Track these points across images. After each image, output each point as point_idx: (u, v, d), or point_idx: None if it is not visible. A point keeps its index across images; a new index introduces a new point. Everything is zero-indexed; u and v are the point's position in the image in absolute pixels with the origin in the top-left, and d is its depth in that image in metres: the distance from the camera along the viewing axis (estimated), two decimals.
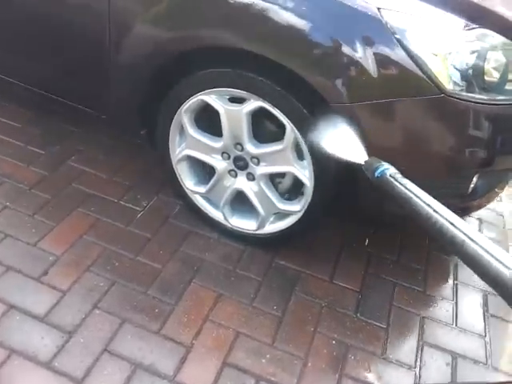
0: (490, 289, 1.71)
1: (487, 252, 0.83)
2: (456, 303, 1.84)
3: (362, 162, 1.30)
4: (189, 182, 1.90)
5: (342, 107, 1.44)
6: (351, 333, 1.66)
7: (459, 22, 1.46)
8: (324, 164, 1.57)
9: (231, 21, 1.48)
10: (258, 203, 1.78)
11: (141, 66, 1.68)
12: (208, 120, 1.75)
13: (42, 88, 2.01)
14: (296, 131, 1.56)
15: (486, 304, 1.85)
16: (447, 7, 1.47)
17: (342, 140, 1.41)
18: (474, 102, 1.41)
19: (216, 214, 1.92)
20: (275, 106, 1.55)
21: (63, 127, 2.39)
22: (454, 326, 1.75)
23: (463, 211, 1.73)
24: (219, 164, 1.79)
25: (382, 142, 1.48)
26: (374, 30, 1.38)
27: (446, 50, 1.40)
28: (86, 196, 2.04)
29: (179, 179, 1.91)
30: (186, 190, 1.92)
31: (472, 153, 1.49)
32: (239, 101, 1.63)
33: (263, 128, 1.68)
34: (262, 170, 1.72)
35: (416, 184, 1.11)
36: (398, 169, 1.20)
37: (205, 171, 1.90)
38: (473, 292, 1.90)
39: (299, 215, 1.74)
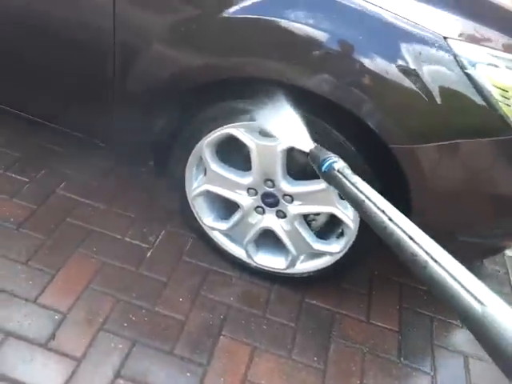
0: None
1: (455, 280, 0.68)
2: None
3: (307, 151, 1.14)
4: (207, 218, 1.70)
5: (401, 149, 1.28)
6: (399, 382, 1.55)
7: None
8: None
9: (288, 52, 1.26)
10: (290, 242, 1.61)
11: (153, 93, 1.44)
12: (231, 152, 1.55)
13: (36, 114, 1.72)
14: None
15: None
16: None
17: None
18: None
19: (238, 252, 1.73)
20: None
21: (46, 148, 2.10)
22: None
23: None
24: (244, 200, 1.59)
25: (443, 187, 1.33)
26: (441, 63, 1.21)
27: None
28: (85, 233, 1.79)
29: (196, 215, 1.70)
30: (204, 226, 1.72)
31: None
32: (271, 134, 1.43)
33: (298, 164, 1.49)
34: (296, 209, 1.54)
35: None
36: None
37: (225, 206, 1.70)
38: None
39: (338, 256, 1.59)
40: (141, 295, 1.63)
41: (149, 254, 1.77)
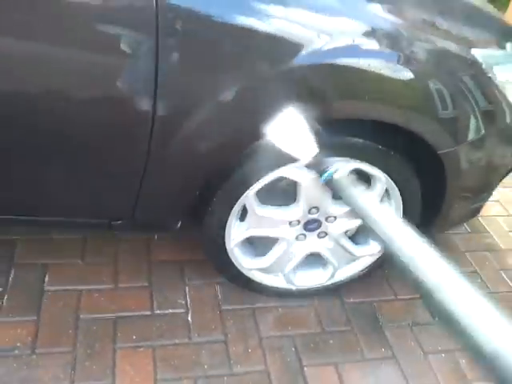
0: None
1: (465, 315, 0.61)
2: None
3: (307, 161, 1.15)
4: (246, 260, 1.64)
5: (447, 152, 1.44)
6: None
7: None
8: (414, 203, 1.58)
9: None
10: (332, 257, 1.68)
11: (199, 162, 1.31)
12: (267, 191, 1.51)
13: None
14: (390, 181, 1.50)
15: None
16: None
17: None
18: None
19: (276, 282, 1.72)
20: (373, 164, 1.45)
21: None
22: None
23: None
24: (286, 233, 1.58)
25: (471, 177, 1.56)
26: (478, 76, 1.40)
27: None
28: (110, 324, 1.57)
29: (235, 262, 1.62)
30: (243, 270, 1.66)
31: None
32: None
33: None
34: (339, 227, 1.60)
35: None
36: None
37: (260, 242, 1.66)
38: None
39: (378, 255, 1.72)
40: (213, 364, 1.52)
41: (189, 319, 1.64)
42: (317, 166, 1.12)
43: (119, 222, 1.46)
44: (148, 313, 1.63)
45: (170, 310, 1.65)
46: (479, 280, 2.08)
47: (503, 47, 1.51)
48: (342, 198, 1.12)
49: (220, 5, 1.13)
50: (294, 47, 1.16)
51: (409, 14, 1.35)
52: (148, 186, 1.34)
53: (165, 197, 1.39)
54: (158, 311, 1.64)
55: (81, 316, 1.57)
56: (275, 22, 1.16)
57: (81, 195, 1.34)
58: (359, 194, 1.02)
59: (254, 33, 1.14)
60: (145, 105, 1.16)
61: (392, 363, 1.67)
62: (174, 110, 1.20)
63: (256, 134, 1.24)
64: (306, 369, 1.59)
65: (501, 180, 1.75)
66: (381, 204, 1.49)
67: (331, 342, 1.69)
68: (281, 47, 1.17)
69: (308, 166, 1.17)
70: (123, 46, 1.05)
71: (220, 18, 1.12)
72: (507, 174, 1.75)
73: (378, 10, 1.31)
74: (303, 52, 1.17)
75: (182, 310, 1.66)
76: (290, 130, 1.17)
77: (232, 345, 1.60)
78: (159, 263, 1.81)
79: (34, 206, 1.36)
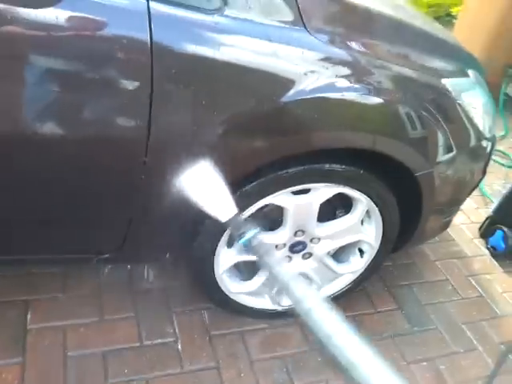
0: None
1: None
2: None
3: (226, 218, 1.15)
4: (234, 285, 1.66)
5: (424, 174, 1.52)
6: None
7: None
8: (393, 222, 1.65)
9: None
10: (316, 276, 1.72)
11: None
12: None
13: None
14: (371, 202, 1.56)
15: None
16: None
17: None
18: None
19: (262, 304, 1.75)
20: (354, 188, 1.50)
21: None
22: None
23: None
24: None
25: (444, 194, 1.64)
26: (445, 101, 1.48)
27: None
28: (100, 359, 1.54)
29: (223, 288, 1.63)
30: (230, 295, 1.67)
31: None
32: (302, 191, 1.49)
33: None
34: (323, 247, 1.65)
35: None
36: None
37: (246, 265, 1.68)
38: None
39: (359, 272, 1.77)
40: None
41: (179, 347, 1.63)
42: (234, 228, 1.14)
43: (107, 255, 1.44)
44: (137, 344, 1.61)
45: (160, 340, 1.64)
46: (450, 287, 2.18)
47: (466, 75, 1.62)
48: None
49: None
50: (282, 85, 1.20)
51: (383, 47, 1.42)
52: (138, 221, 1.33)
53: (154, 230, 1.39)
54: (148, 342, 1.63)
55: (68, 353, 1.54)
56: (263, 60, 1.19)
57: (70, 233, 1.32)
58: (276, 262, 1.11)
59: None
60: (136, 146, 1.16)
61: None
62: (164, 147, 1.21)
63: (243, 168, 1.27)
64: None
65: (470, 194, 1.85)
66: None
67: (319, 359, 1.73)
68: (269, 85, 1.20)
69: (225, 227, 1.17)
70: (117, 92, 1.06)
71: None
72: (475, 187, 1.86)
73: (354, 45, 1.37)
74: (291, 90, 1.21)
75: (171, 339, 1.66)
76: (210, 187, 1.16)
77: (225, 371, 1.61)
78: (143, 292, 1.79)
79: (21, 244, 1.33)
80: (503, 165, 3.29)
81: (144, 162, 1.18)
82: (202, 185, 1.17)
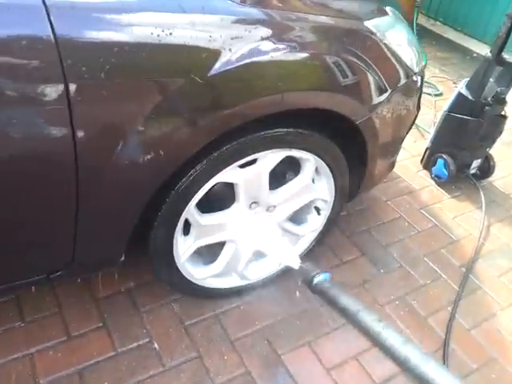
0: None
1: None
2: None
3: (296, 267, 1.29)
4: (199, 271, 1.60)
5: (364, 121, 1.50)
6: None
7: None
8: (343, 174, 1.64)
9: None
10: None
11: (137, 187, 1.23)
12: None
13: None
14: (321, 161, 1.54)
15: None
16: None
17: None
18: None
19: (231, 282, 1.72)
20: (300, 149, 1.47)
21: None
22: None
23: None
24: (235, 233, 1.57)
25: (385, 135, 1.64)
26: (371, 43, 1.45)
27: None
28: (76, 378, 1.46)
29: (188, 277, 1.58)
30: (197, 282, 1.62)
31: None
32: (247, 163, 1.44)
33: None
34: (280, 214, 1.62)
35: None
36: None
37: (205, 251, 1.62)
38: None
39: (319, 230, 1.77)
40: (195, 383, 1.50)
41: (156, 345, 1.58)
42: (303, 274, 1.23)
43: (59, 272, 1.35)
44: (112, 353, 1.54)
45: (134, 344, 1.58)
46: (406, 223, 2.24)
47: (386, 13, 1.60)
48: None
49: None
50: (206, 57, 1.12)
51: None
52: (84, 229, 1.24)
53: (103, 234, 1.30)
54: (122, 348, 1.56)
55: (41, 381, 1.45)
56: (180, 34, 1.10)
57: (15, 258, 1.21)
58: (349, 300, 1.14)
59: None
60: (65, 150, 1.06)
61: None
62: (96, 148, 1.11)
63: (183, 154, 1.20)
64: (283, 357, 1.62)
65: (409, 130, 1.88)
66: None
67: (298, 322, 1.74)
68: (193, 60, 1.12)
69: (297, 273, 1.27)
70: (33, 97, 0.94)
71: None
72: (413, 123, 1.88)
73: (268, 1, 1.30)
74: (217, 61, 1.14)
75: (146, 340, 1.60)
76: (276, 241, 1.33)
77: (207, 358, 1.58)
78: (106, 298, 1.71)
79: None
80: (430, 94, 3.38)
81: (76, 169, 1.08)
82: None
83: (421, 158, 2.64)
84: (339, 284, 1.26)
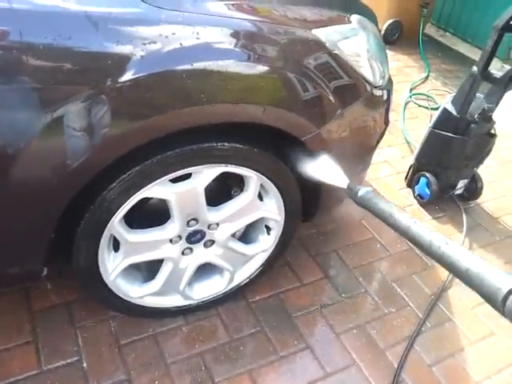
0: None
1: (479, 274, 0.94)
2: None
3: (345, 186, 1.41)
4: (133, 289, 1.51)
5: (311, 137, 1.39)
6: None
7: None
8: (292, 192, 1.53)
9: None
10: (225, 263, 1.60)
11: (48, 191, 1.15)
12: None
13: None
14: (264, 177, 1.43)
15: None
16: None
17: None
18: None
19: (173, 301, 1.62)
20: (239, 165, 1.36)
21: None
22: None
23: None
24: (169, 252, 1.47)
25: (339, 149, 1.52)
26: (318, 54, 1.33)
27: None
28: None
29: (119, 294, 1.49)
30: (132, 300, 1.53)
31: None
32: (181, 178, 1.34)
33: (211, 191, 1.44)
34: (224, 232, 1.51)
35: None
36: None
37: (144, 266, 1.53)
38: None
39: (271, 249, 1.66)
40: None
41: (84, 364, 1.49)
42: (350, 189, 1.36)
43: None
44: (35, 372, 1.45)
45: (62, 362, 1.49)
46: (378, 245, 2.11)
47: (345, 21, 1.48)
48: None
49: None
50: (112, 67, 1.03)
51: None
52: None
53: (14, 246, 1.22)
54: (48, 366, 1.48)
55: None
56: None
57: None
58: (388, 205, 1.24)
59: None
60: None
61: (307, 354, 1.64)
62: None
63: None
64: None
65: (374, 148, 1.75)
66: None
67: (241, 348, 1.63)
68: (99, 69, 1.03)
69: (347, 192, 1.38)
70: None
71: None
72: (379, 140, 1.76)
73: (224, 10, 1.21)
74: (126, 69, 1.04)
75: (75, 358, 1.51)
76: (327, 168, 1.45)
77: (136, 382, 1.48)
78: (43, 311, 1.62)
79: None
80: (427, 107, 3.23)
81: None
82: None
83: (405, 175, 2.51)
84: (379, 195, 1.40)
